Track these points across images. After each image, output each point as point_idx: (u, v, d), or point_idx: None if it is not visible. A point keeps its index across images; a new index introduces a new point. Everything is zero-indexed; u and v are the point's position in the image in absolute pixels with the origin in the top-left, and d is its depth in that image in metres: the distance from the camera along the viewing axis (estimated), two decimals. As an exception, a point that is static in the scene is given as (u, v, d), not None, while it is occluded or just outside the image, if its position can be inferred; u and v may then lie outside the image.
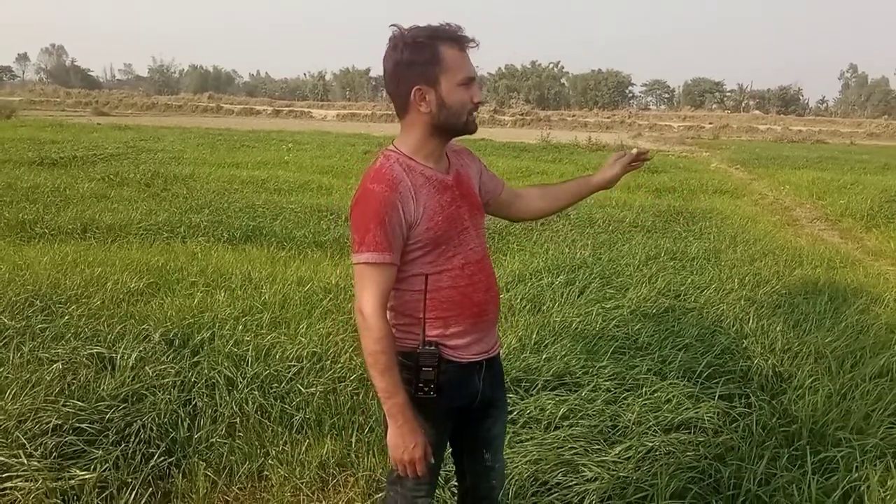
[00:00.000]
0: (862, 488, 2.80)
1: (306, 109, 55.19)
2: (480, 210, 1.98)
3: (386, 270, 1.76)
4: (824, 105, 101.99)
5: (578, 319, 4.60)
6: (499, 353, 2.07)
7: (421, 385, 1.83)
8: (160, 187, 10.23)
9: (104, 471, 2.80)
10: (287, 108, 55.09)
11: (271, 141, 20.27)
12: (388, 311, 1.85)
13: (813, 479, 2.83)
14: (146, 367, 3.55)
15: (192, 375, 3.57)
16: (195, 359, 3.74)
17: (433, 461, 1.89)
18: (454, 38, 1.76)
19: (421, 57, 1.74)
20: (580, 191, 2.21)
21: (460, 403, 1.96)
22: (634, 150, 2.22)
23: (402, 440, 1.80)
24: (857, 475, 2.87)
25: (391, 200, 1.74)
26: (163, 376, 3.52)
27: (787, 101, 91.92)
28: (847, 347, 4.29)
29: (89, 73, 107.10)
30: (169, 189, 10.09)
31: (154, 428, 3.12)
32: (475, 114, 1.84)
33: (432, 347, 1.84)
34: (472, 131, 1.85)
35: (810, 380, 3.77)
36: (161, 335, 3.96)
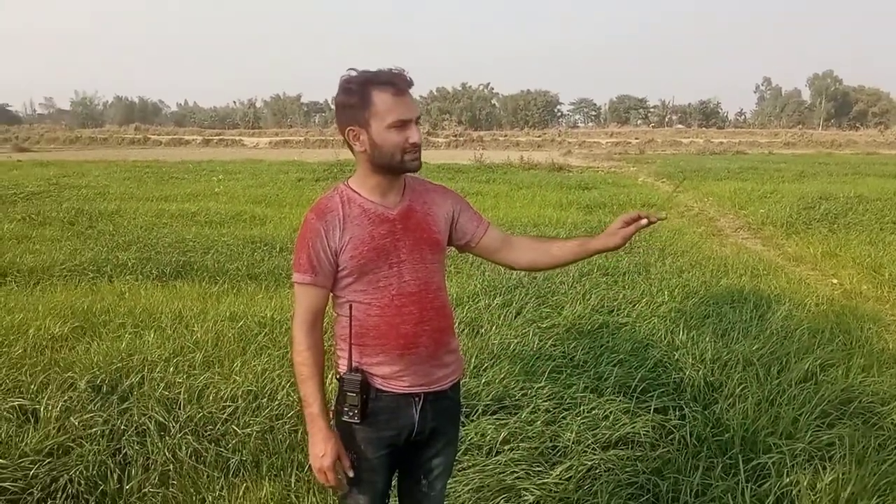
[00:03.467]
0: (793, 493, 2.90)
1: (237, 137, 54.40)
2: (432, 246, 1.99)
3: (309, 290, 1.92)
4: (742, 117, 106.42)
5: (516, 340, 4.64)
6: (451, 388, 2.05)
7: (346, 409, 1.92)
8: (85, 225, 9.91)
9: (29, 531, 2.66)
10: (217, 137, 54.12)
11: (201, 171, 19.89)
12: (334, 336, 2.01)
13: (746, 486, 2.92)
14: (72, 418, 3.40)
15: (121, 423, 3.44)
16: (124, 405, 3.61)
17: (351, 475, 1.96)
18: (388, 82, 1.84)
19: (352, 100, 1.87)
20: (578, 252, 2.09)
21: (392, 433, 1.97)
22: (644, 221, 1.96)
23: (314, 448, 1.91)
24: (788, 480, 2.97)
25: (316, 227, 1.90)
26: (90, 426, 3.38)
27: (707, 115, 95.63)
28: (773, 354, 4.45)
29: (8, 108, 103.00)
30: (94, 226, 9.78)
31: (82, 482, 2.99)
32: (414, 153, 1.88)
33: (356, 374, 1.92)
34: (412, 170, 1.92)
35: (740, 388, 3.89)
36: (87, 382, 3.81)
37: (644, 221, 1.96)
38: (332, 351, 2.06)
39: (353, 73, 1.89)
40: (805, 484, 2.91)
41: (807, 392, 3.85)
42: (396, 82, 1.84)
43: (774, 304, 5.66)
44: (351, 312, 1.92)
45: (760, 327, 5.02)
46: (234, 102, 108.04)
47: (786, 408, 3.65)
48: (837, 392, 3.89)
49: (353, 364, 1.93)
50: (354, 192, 1.95)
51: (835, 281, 7.28)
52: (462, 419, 3.52)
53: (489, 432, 3.38)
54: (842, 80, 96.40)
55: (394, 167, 1.89)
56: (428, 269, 1.97)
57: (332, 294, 1.97)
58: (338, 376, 1.98)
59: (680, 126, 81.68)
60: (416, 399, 1.97)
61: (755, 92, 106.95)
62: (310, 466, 3.07)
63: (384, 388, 1.94)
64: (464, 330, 4.93)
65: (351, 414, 1.91)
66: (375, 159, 1.88)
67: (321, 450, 1.90)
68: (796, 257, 8.58)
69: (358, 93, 1.86)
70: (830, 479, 2.93)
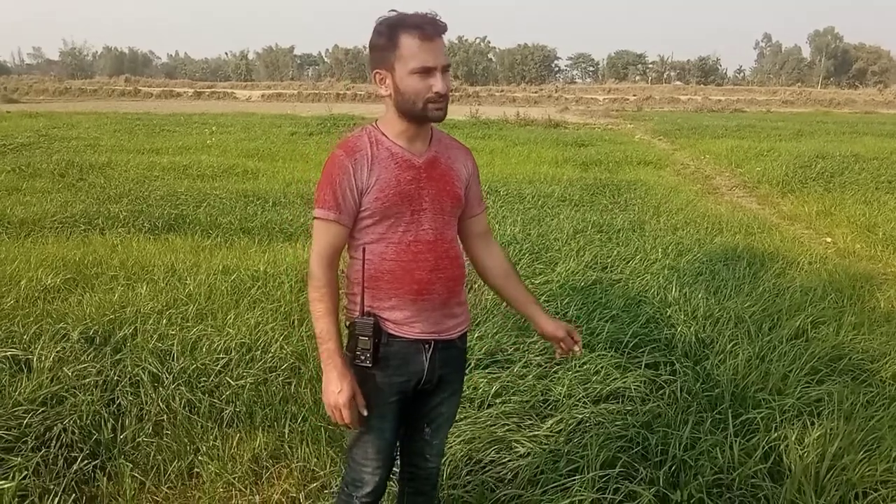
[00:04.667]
0: (781, 447, 2.93)
1: (229, 90, 53.58)
2: (454, 199, 1.99)
3: (331, 227, 1.89)
4: (741, 74, 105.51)
5: (509, 296, 4.63)
6: (460, 338, 2.07)
7: (358, 353, 1.90)
8: (75, 177, 9.81)
9: (23, 479, 2.68)
10: (209, 90, 53.34)
11: (193, 124, 19.66)
12: (345, 279, 2.00)
13: (735, 441, 2.94)
14: (65, 368, 3.40)
15: (114, 374, 3.44)
16: (117, 356, 3.61)
17: (366, 413, 1.94)
18: (416, 26, 1.81)
19: (380, 42, 1.85)
20: (518, 304, 2.21)
21: (402, 380, 1.98)
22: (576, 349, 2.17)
23: (330, 385, 1.88)
24: (776, 435, 3.00)
25: (345, 165, 1.87)
26: (83, 376, 3.38)
27: (706, 72, 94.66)
28: (765, 311, 4.47)
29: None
30: (85, 179, 9.68)
31: (76, 431, 3.00)
32: (438, 103, 1.86)
33: (369, 318, 1.91)
34: (435, 119, 1.90)
35: (731, 344, 3.92)
36: (80, 333, 3.80)
37: (562, 351, 2.16)
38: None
39: (389, 15, 1.86)
40: (793, 439, 2.94)
41: (797, 349, 3.88)
42: (424, 27, 1.81)
43: (768, 263, 5.67)
44: (364, 255, 1.91)
45: (753, 285, 5.03)
46: (226, 54, 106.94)
47: (776, 364, 3.68)
48: (828, 349, 3.92)
49: (366, 308, 1.92)
50: (383, 134, 1.93)
51: (829, 240, 7.30)
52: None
53: (481, 386, 3.41)
54: (843, 37, 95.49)
55: (416, 115, 1.87)
56: (445, 221, 1.98)
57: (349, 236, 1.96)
58: (347, 322, 1.98)
59: (678, 83, 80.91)
60: (427, 346, 1.97)
61: (755, 48, 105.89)
62: (304, 418, 3.15)
63: (396, 334, 1.94)
64: (457, 285, 4.92)
65: (363, 358, 1.90)
66: (399, 105, 1.87)
67: (337, 386, 1.87)
68: (791, 216, 8.59)
69: (386, 35, 1.83)
70: (818, 434, 2.96)
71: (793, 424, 3.09)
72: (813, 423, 3.09)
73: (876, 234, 7.11)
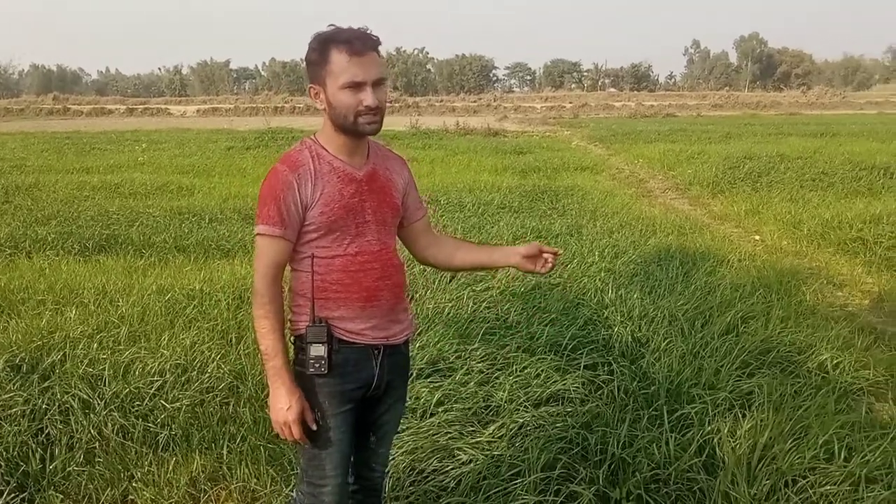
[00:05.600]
0: (715, 440, 3.02)
1: (163, 106, 52.39)
2: (394, 210, 2.04)
3: (276, 243, 1.89)
4: (673, 80, 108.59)
5: (451, 304, 4.66)
6: (405, 343, 2.12)
7: (312, 361, 1.91)
8: (0, 200, 9.42)
9: (-56, 518, 2.56)
10: (142, 106, 52.00)
11: (125, 142, 19.13)
12: (290, 293, 2.01)
13: (671, 436, 3.02)
14: (-11, 399, 3.26)
15: (42, 402, 3.31)
16: (46, 384, 3.47)
17: (315, 428, 1.95)
18: (346, 41, 1.83)
19: (314, 58, 1.88)
20: (484, 261, 2.23)
21: (354, 387, 1.99)
22: (543, 267, 2.09)
23: (278, 402, 1.89)
24: (710, 428, 3.09)
25: (289, 180, 1.87)
26: (9, 406, 3.24)
27: (639, 78, 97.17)
28: (697, 309, 4.61)
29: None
30: (10, 201, 9.32)
31: (2, 463, 2.89)
32: (370, 116, 1.86)
33: (321, 324, 1.92)
34: (367, 133, 1.91)
35: (665, 342, 4.02)
36: (6, 362, 3.65)
37: (543, 268, 2.09)
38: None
39: (326, 30, 1.88)
40: (726, 431, 3.03)
41: (728, 344, 4.01)
42: (354, 42, 1.83)
43: (699, 262, 5.84)
44: (311, 268, 1.92)
45: (686, 284, 5.18)
46: (160, 69, 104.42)
47: (708, 360, 3.80)
48: (757, 343, 4.06)
49: (316, 317, 1.92)
50: (323, 148, 1.94)
51: (757, 237, 7.56)
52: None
53: (423, 395, 3.40)
54: (767, 42, 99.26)
55: (348, 129, 1.89)
56: (388, 232, 2.02)
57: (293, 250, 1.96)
58: (294, 335, 1.98)
59: (612, 90, 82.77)
60: (376, 352, 2.00)
61: (684, 55, 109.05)
62: (243, 437, 3.09)
63: (347, 340, 1.95)
64: (398, 296, 4.91)
65: (318, 366, 1.91)
66: (333, 119, 1.90)
67: (286, 402, 1.88)
68: (721, 215, 8.87)
69: (318, 50, 1.86)
70: (749, 425, 3.06)
71: (725, 417, 3.19)
72: (744, 415, 3.19)
73: (801, 230, 7.40)
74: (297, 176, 1.87)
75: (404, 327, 2.09)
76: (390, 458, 2.89)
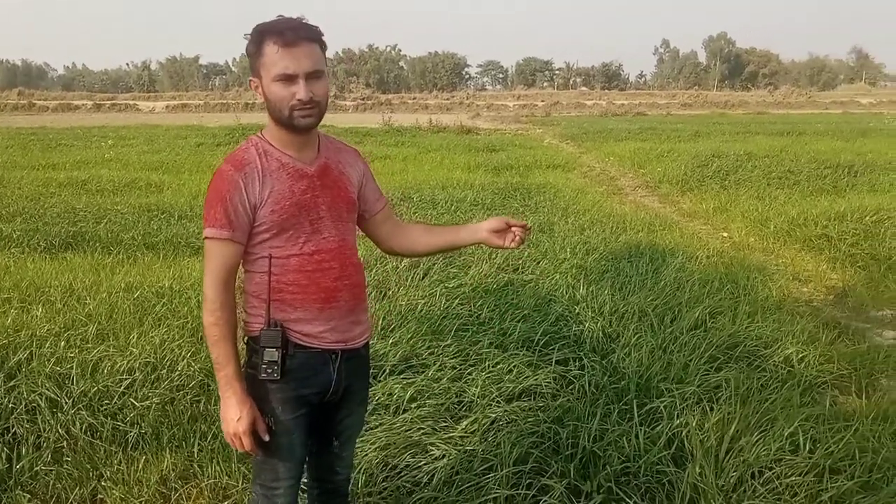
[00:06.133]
0: (683, 433, 3.06)
1: (131, 102, 51.62)
2: (349, 205, 1.97)
3: (225, 246, 1.82)
4: (643, 79, 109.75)
5: (423, 301, 4.67)
6: (364, 346, 2.04)
7: (265, 366, 1.84)
8: (-38, 197, 9.22)
9: None
10: (109, 102, 51.17)
11: (92, 138, 18.86)
12: (243, 294, 1.93)
13: (640, 429, 3.06)
14: (-48, 399, 3.20)
15: (8, 401, 3.25)
16: (11, 383, 3.40)
17: (267, 439, 1.89)
18: (277, 32, 1.76)
19: (251, 50, 1.82)
20: (451, 240, 2.17)
21: (310, 392, 1.93)
22: (511, 243, 2.07)
23: (228, 412, 1.84)
24: (678, 421, 3.13)
25: (235, 180, 1.80)
26: (-27, 406, 3.18)
27: (610, 77, 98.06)
28: (666, 304, 4.67)
29: None
30: (-27, 198, 9.11)
31: (-35, 464, 2.83)
32: (304, 110, 1.80)
33: (276, 328, 1.85)
34: (302, 127, 1.83)
35: (635, 337, 4.07)
36: (-31, 361, 3.58)
37: (512, 242, 2.05)
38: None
39: (264, 22, 1.83)
40: (694, 424, 3.08)
41: (696, 338, 4.07)
42: (285, 33, 1.76)
43: (669, 258, 5.92)
44: (266, 268, 1.85)
45: (655, 280, 5.24)
46: (128, 65, 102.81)
47: (677, 354, 3.85)
48: (725, 337, 4.13)
49: (271, 320, 1.86)
50: (270, 144, 1.87)
51: (725, 234, 7.68)
52: (370, 380, 3.55)
53: (396, 391, 3.40)
54: (735, 41, 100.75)
55: (284, 123, 1.83)
56: (345, 227, 1.95)
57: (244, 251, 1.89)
58: (247, 336, 1.92)
59: (584, 88, 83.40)
60: (334, 357, 1.93)
61: (654, 54, 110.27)
62: (214, 435, 3.06)
63: (303, 344, 1.89)
64: (371, 292, 4.91)
65: (270, 371, 1.84)
66: (270, 113, 1.84)
67: (236, 413, 1.82)
68: (690, 213, 8.99)
69: (254, 42, 1.80)
70: (717, 418, 3.12)
71: (694, 411, 3.23)
72: (712, 409, 3.24)
73: (768, 227, 7.53)
74: (244, 175, 1.80)
75: (364, 329, 2.03)
76: (363, 454, 2.90)
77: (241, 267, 1.91)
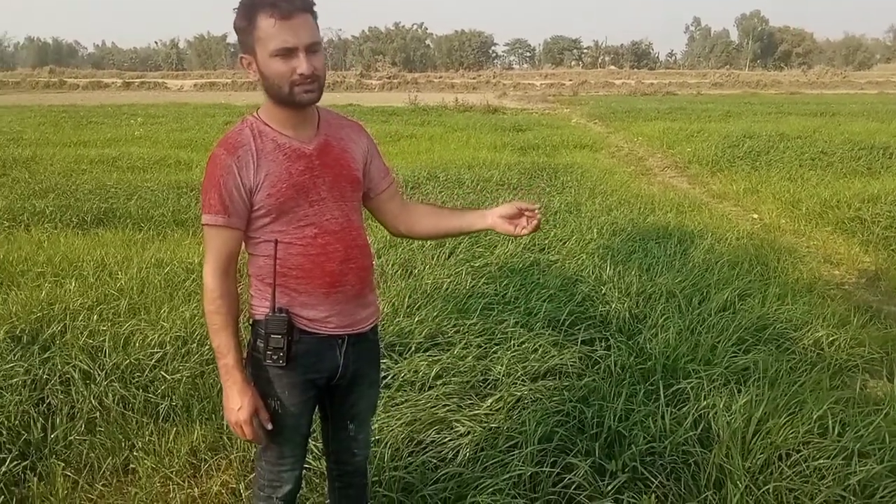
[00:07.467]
0: (710, 414, 3.04)
1: (160, 80, 52.05)
2: (353, 183, 1.89)
3: (222, 233, 1.78)
4: (673, 58, 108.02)
5: (449, 280, 4.68)
6: (371, 329, 2.00)
7: (270, 353, 1.81)
8: (-3, 172, 9.40)
9: (-52, 484, 2.59)
10: (139, 80, 51.67)
11: (122, 115, 19.07)
12: (248, 277, 1.89)
13: (667, 410, 3.05)
14: (-10, 369, 3.28)
15: (43, 372, 3.33)
16: (46, 355, 3.49)
17: (269, 427, 1.88)
18: (271, 4, 1.66)
19: (241, 25, 1.73)
20: (461, 226, 2.07)
21: (316, 377, 1.92)
22: (523, 230, 1.95)
23: (230, 401, 1.82)
24: (705, 403, 3.12)
25: (227, 164, 1.75)
26: (10, 376, 3.26)
27: (639, 56, 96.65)
28: (694, 286, 4.62)
29: None
30: (7, 174, 9.28)
31: (3, 432, 2.91)
32: (306, 85, 1.72)
33: (282, 314, 1.81)
34: (305, 103, 1.76)
35: (662, 318, 4.04)
36: (6, 332, 3.66)
37: (524, 230, 1.94)
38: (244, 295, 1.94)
39: None
40: (721, 406, 3.06)
41: (725, 320, 4.03)
42: (279, 4, 1.66)
43: (697, 239, 5.85)
44: (271, 252, 1.79)
45: (683, 261, 5.20)
46: (156, 43, 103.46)
47: (705, 336, 3.82)
48: (753, 320, 4.09)
49: (277, 305, 1.81)
50: (265, 124, 1.80)
51: (755, 216, 7.57)
52: (395, 357, 3.58)
53: (422, 368, 3.43)
54: (768, 20, 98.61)
55: (284, 99, 1.74)
56: (349, 207, 1.88)
57: (245, 235, 1.84)
58: (253, 320, 1.88)
59: (612, 67, 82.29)
60: (340, 342, 1.90)
61: (685, 32, 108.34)
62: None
63: (308, 330, 1.85)
64: (397, 271, 4.93)
65: (275, 357, 1.80)
66: (268, 90, 1.76)
67: (237, 402, 1.80)
68: (720, 194, 8.87)
69: (244, 16, 1.70)
70: (745, 400, 3.09)
71: (721, 392, 3.21)
72: (740, 391, 3.22)
73: (799, 209, 7.41)
74: (237, 159, 1.74)
75: (371, 312, 1.98)
76: (388, 429, 2.93)
77: (245, 250, 1.87)
